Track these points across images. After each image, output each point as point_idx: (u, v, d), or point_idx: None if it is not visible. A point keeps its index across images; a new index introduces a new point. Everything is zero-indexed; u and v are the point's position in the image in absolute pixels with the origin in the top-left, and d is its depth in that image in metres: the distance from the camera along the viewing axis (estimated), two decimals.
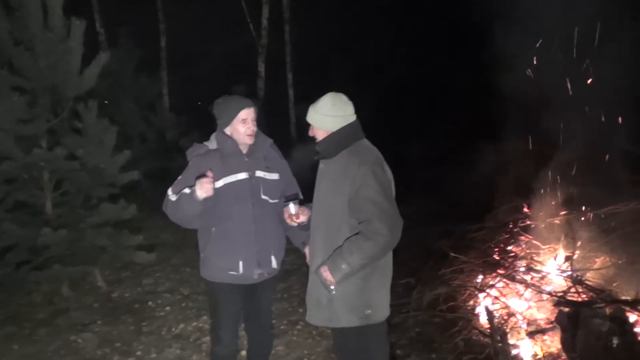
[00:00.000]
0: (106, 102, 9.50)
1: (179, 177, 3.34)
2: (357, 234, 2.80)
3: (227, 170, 3.31)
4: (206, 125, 3.52)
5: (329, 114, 2.95)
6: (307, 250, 3.37)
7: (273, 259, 3.43)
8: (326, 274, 2.85)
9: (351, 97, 3.07)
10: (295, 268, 6.52)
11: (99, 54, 6.02)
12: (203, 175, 3.11)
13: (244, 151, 3.37)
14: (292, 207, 3.16)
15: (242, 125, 3.31)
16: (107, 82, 9.67)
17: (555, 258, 5.17)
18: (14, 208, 5.62)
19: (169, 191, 3.30)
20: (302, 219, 3.20)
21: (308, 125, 3.09)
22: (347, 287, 2.88)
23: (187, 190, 3.17)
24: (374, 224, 2.74)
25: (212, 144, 3.40)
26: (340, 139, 2.95)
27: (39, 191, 5.68)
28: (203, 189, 3.09)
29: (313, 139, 3.10)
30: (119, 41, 10.95)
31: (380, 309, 3.00)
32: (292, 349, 4.61)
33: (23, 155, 5.41)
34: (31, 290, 5.59)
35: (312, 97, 3.10)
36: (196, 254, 3.50)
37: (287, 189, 3.53)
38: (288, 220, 3.21)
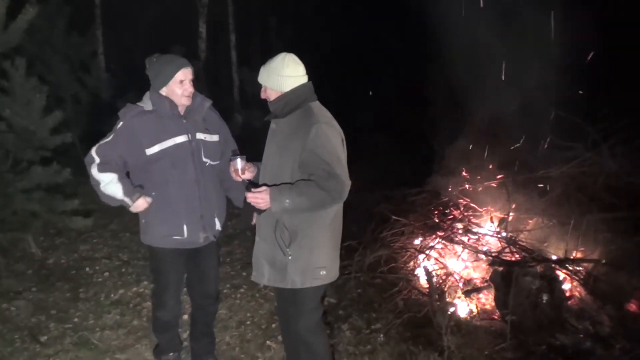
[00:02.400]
0: (37, 61, 8.93)
1: (108, 138, 3.21)
2: (309, 180, 2.79)
3: (164, 134, 3.20)
4: (143, 86, 3.36)
5: (282, 75, 2.90)
6: None
7: (217, 221, 3.41)
8: (263, 195, 2.81)
9: None
10: (238, 232, 6.48)
11: (25, 7, 5.63)
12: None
13: (182, 112, 3.26)
14: (239, 162, 3.09)
15: (179, 87, 3.19)
16: (36, 39, 9.12)
17: (491, 220, 5.37)
18: None
19: (94, 152, 3.19)
20: (248, 175, 3.14)
21: (259, 86, 3.02)
22: (302, 251, 2.90)
23: (119, 195, 3.15)
24: (328, 182, 2.75)
25: (146, 104, 3.25)
26: (292, 99, 2.91)
27: None
28: (138, 208, 3.20)
29: (259, 101, 3.05)
30: None
31: (334, 268, 3.05)
32: (235, 312, 4.61)
33: None
34: None
35: (254, 60, 3.03)
36: (135, 219, 3.41)
37: (226, 150, 3.47)
38: (233, 175, 3.13)
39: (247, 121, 12.35)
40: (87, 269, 5.49)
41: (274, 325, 4.32)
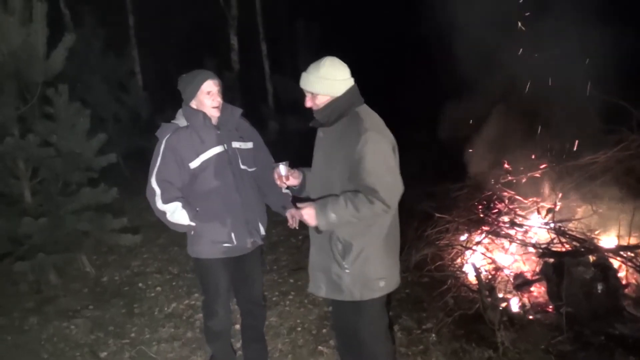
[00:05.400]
0: (78, 84, 9.23)
1: (157, 164, 3.27)
2: (357, 191, 2.70)
3: (202, 146, 3.29)
4: (180, 101, 3.46)
5: (336, 78, 2.80)
6: (288, 214, 3.38)
7: (260, 226, 3.48)
8: (308, 211, 2.76)
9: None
10: (283, 239, 6.55)
11: (65, 35, 5.84)
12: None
13: (215, 123, 3.35)
14: (283, 169, 3.02)
15: (207, 98, 3.29)
16: (75, 63, 9.42)
17: (537, 211, 5.26)
18: None
19: (153, 184, 3.25)
20: (293, 181, 3.07)
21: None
22: (359, 263, 2.82)
23: (186, 221, 3.25)
24: (378, 193, 2.65)
25: (181, 121, 3.36)
26: (340, 105, 2.81)
27: (15, 180, 5.56)
28: None
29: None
30: (84, 20, 10.64)
31: (393, 277, 2.96)
32: (285, 319, 4.65)
33: None
34: (17, 281, 5.51)
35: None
36: (182, 233, 3.47)
37: (258, 157, 3.53)
38: (278, 182, 3.06)
39: (282, 128, 12.47)
40: (140, 284, 5.64)
41: (324, 331, 4.34)
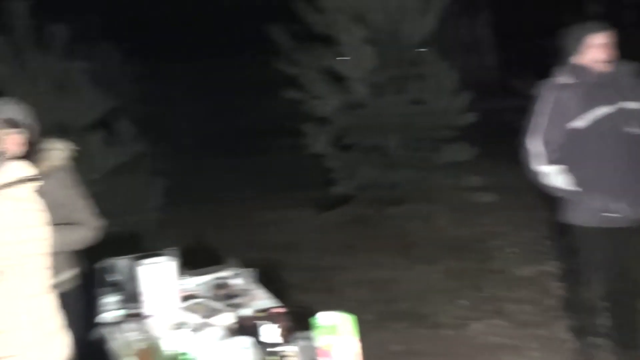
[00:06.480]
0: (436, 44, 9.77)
1: (539, 123, 3.17)
2: None
3: (587, 105, 3.06)
4: (538, 61, 3.29)
5: None
6: None
7: None
8: None
9: None
10: None
11: None
12: None
13: (603, 81, 3.07)
14: None
15: (593, 52, 3.04)
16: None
17: None
18: (368, 152, 6.32)
19: (535, 143, 3.17)
20: None
21: None
22: None
23: (565, 185, 3.11)
24: None
25: (564, 78, 3.16)
26: None
27: (388, 135, 6.23)
28: None
29: None
30: None
31: None
32: None
33: (374, 102, 6.02)
34: (387, 226, 6.21)
35: None
36: (537, 198, 3.44)
37: None
38: None
39: None
40: (493, 242, 5.70)
41: None
